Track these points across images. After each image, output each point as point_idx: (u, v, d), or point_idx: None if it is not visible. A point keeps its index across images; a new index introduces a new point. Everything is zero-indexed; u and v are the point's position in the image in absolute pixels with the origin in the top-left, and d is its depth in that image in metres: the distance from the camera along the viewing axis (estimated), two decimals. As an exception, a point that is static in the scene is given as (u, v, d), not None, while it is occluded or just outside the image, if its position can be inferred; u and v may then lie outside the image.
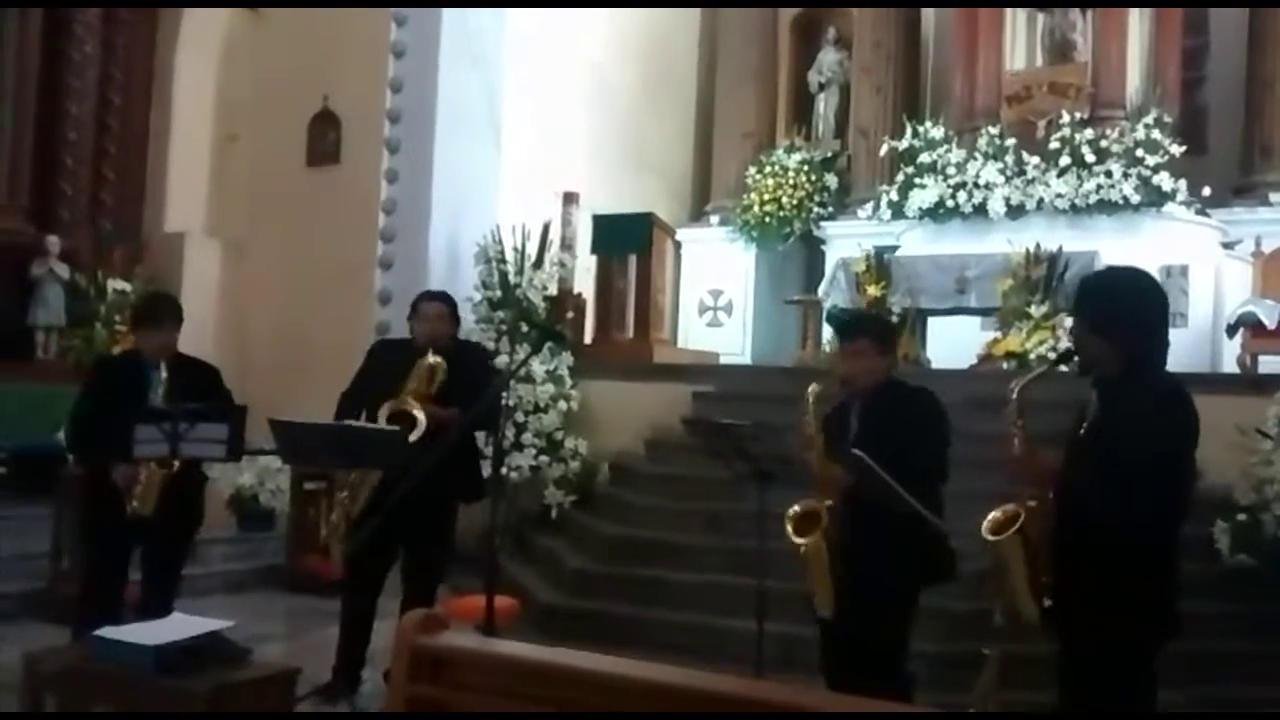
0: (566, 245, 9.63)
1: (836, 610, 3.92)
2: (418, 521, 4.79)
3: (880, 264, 8.96)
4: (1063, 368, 3.53)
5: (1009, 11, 10.12)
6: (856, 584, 3.88)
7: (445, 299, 5.29)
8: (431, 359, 4.95)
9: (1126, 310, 3.23)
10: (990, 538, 3.22)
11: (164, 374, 4.71)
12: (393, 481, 4.62)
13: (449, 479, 4.80)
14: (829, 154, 11.63)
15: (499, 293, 8.75)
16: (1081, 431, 3.26)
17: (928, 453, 3.91)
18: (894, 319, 8.52)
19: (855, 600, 3.88)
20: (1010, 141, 9.55)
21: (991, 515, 3.24)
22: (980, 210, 9.51)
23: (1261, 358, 7.95)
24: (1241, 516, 5.80)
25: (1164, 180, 9.02)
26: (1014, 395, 3.29)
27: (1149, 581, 3.08)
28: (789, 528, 3.94)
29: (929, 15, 11.68)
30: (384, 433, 4.65)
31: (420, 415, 4.78)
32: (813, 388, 4.05)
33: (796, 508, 3.96)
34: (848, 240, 10.44)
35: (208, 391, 4.82)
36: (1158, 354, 3.23)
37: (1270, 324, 7.92)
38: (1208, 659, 5.10)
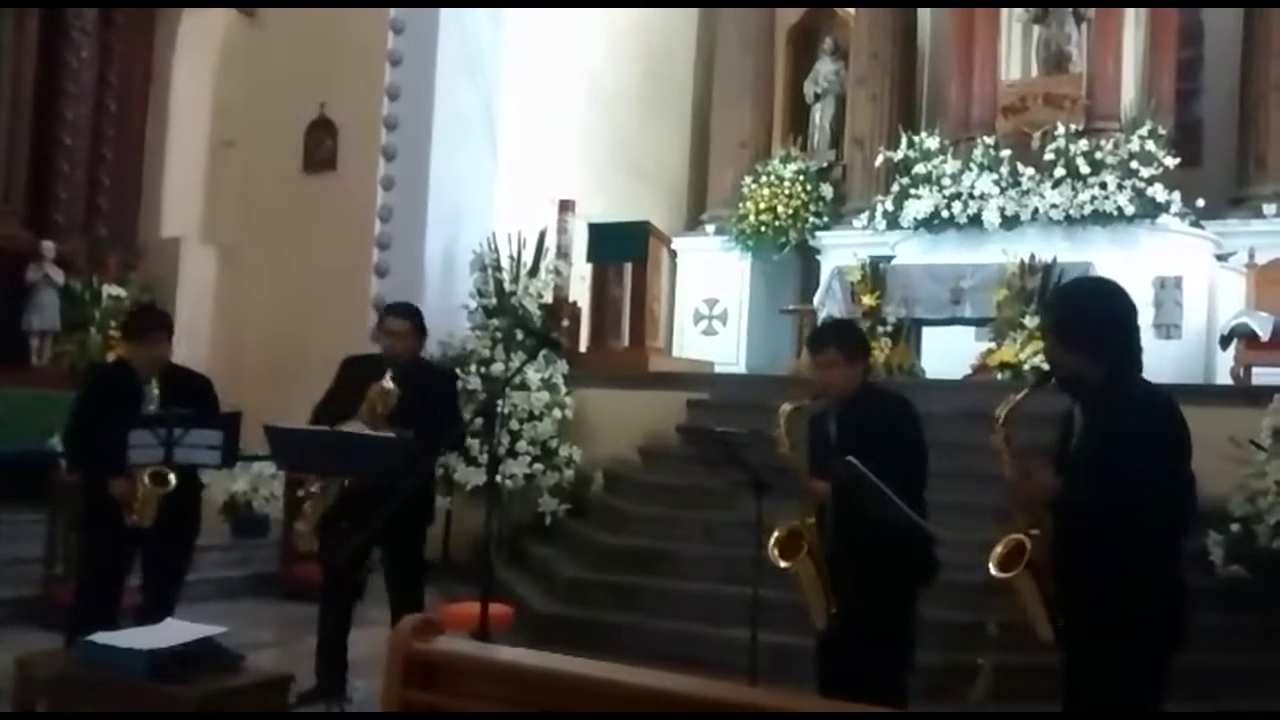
0: (562, 253, 9.65)
1: (832, 622, 3.91)
2: (392, 527, 4.77)
3: (875, 274, 8.97)
4: (1043, 388, 3.49)
5: (1005, 23, 10.17)
6: (848, 596, 3.88)
7: (409, 313, 5.23)
8: (385, 384, 4.93)
9: (1093, 321, 3.20)
10: (999, 574, 3.17)
11: (155, 389, 4.70)
12: (361, 490, 4.69)
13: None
14: (825, 164, 11.67)
15: (494, 300, 8.75)
16: (1071, 446, 3.24)
17: (902, 455, 3.90)
18: (888, 328, 8.55)
19: (850, 612, 3.87)
20: (1005, 152, 9.59)
21: (995, 551, 3.19)
22: (975, 221, 9.54)
23: (1255, 369, 7.96)
24: (1235, 528, 5.80)
25: (1158, 192, 9.06)
26: (1000, 422, 3.24)
27: (1155, 590, 3.06)
28: (774, 552, 3.91)
29: (925, 26, 11.72)
30: (381, 440, 4.65)
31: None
32: (784, 407, 4.04)
33: (778, 532, 3.95)
34: (843, 250, 10.45)
35: (200, 404, 4.82)
36: (1133, 360, 3.20)
37: (1264, 335, 7.93)
38: (1201, 671, 5.09)
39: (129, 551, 4.78)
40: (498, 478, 7.48)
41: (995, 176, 9.52)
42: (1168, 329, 8.73)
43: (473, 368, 8.29)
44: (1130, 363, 3.19)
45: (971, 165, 9.66)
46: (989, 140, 9.71)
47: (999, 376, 7.92)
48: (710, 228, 11.90)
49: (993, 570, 3.18)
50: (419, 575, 5.24)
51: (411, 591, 5.12)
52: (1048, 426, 3.41)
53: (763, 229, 11.28)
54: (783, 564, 3.90)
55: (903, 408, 4.13)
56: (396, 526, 4.75)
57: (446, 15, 9.44)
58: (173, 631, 3.74)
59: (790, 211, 11.21)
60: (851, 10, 11.67)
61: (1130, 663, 3.07)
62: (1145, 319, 3.38)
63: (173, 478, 4.55)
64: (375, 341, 5.24)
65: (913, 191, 9.92)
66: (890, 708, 3.35)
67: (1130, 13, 9.72)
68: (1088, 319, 3.22)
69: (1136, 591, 3.03)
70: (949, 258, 9.36)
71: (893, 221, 10.11)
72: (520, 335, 8.29)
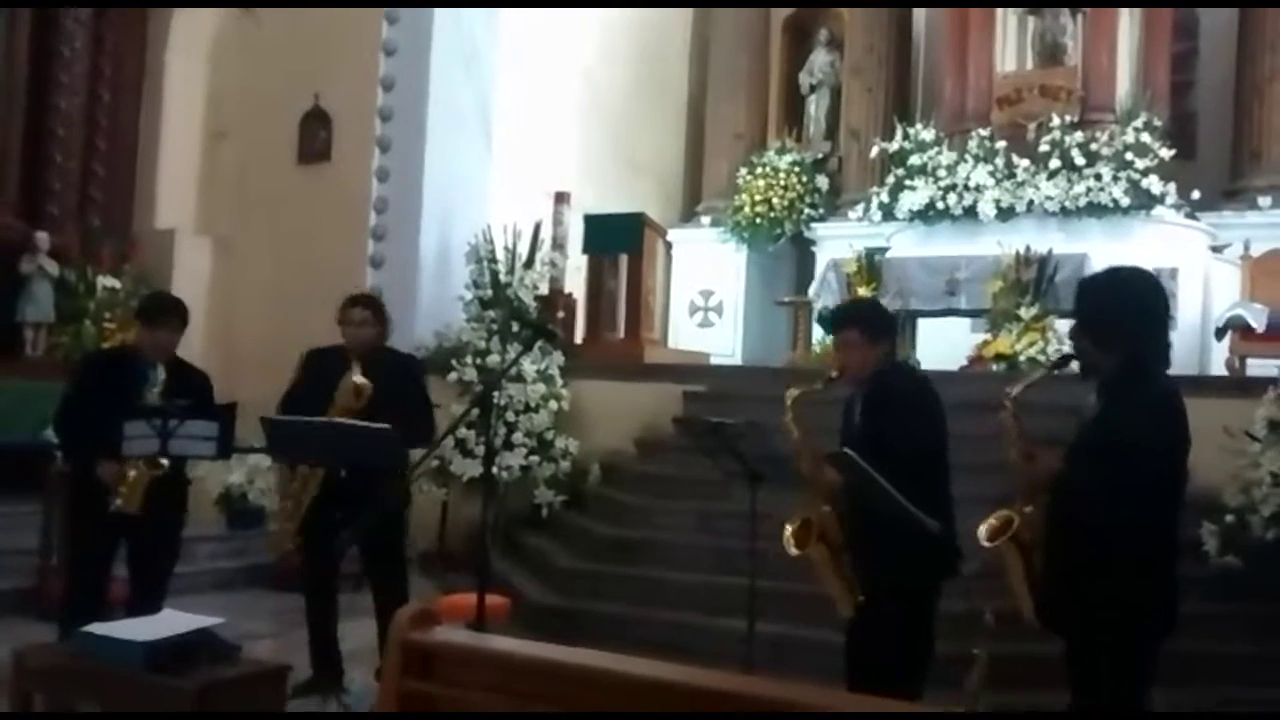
0: (558, 245, 9.63)
1: (859, 610, 3.87)
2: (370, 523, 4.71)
3: (871, 265, 8.98)
4: (1061, 371, 3.50)
5: (1000, 14, 10.16)
6: (867, 588, 3.85)
7: (368, 303, 5.24)
8: (357, 380, 4.90)
9: (1119, 311, 3.22)
10: (986, 544, 3.21)
11: (162, 374, 4.71)
12: (335, 484, 4.76)
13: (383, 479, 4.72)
14: (820, 155, 11.66)
15: (490, 292, 8.74)
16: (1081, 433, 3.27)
17: (918, 436, 3.80)
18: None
19: (869, 605, 3.85)
20: (1000, 144, 9.59)
21: (988, 522, 3.24)
22: (970, 212, 9.54)
23: (1249, 360, 7.97)
24: (1229, 518, 5.83)
25: (1153, 184, 9.06)
26: (1009, 402, 3.27)
27: (1142, 576, 3.07)
28: (790, 543, 3.87)
29: (920, 18, 11.71)
30: (378, 431, 4.64)
31: None
32: (790, 392, 3.98)
33: (790, 525, 3.89)
34: (838, 241, 10.46)
35: (197, 400, 4.81)
36: (1155, 354, 3.21)
37: (1258, 327, 7.95)
38: (1195, 660, 5.12)
39: (114, 540, 4.76)
40: (494, 469, 7.47)
41: (990, 168, 9.52)
42: (1164, 320, 8.74)
43: (468, 359, 8.29)
44: (1151, 356, 3.20)
45: (967, 157, 9.67)
46: (984, 132, 9.71)
47: (994, 368, 7.94)
48: (705, 219, 11.90)
49: (981, 537, 3.22)
50: (401, 569, 5.21)
51: (396, 586, 5.08)
52: (1061, 416, 3.42)
53: (758, 220, 11.27)
54: (794, 551, 3.85)
55: (919, 394, 3.96)
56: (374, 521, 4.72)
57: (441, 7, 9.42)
58: (169, 622, 3.73)
59: (785, 203, 11.21)
60: (846, 2, 11.66)
61: (1117, 649, 3.09)
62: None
63: (165, 461, 4.55)
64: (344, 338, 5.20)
65: (908, 183, 9.93)
66: (903, 698, 3.37)
67: (1125, 5, 9.72)
68: (1104, 308, 3.25)
69: (1124, 579, 3.06)
70: (944, 249, 9.36)
71: (888, 213, 10.11)
72: (516, 327, 8.28)
